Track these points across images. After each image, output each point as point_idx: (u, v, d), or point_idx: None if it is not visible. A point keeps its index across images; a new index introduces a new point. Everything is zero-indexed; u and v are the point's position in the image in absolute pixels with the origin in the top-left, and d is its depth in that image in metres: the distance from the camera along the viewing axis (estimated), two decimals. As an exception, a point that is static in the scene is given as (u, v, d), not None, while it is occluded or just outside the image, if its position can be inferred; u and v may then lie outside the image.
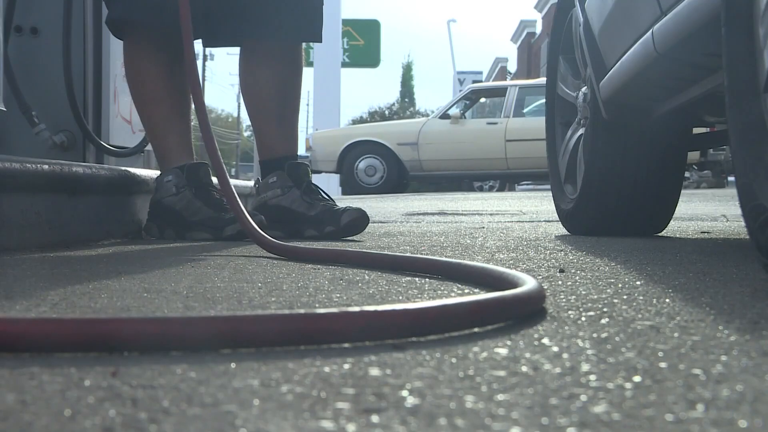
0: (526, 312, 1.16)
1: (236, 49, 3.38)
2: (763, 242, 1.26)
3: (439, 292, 1.47)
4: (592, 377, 0.81)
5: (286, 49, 3.29)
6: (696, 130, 3.32)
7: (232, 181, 4.45)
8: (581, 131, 3.31)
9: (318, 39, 3.35)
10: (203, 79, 52.79)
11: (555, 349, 0.95)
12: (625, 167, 3.07)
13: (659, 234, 3.32)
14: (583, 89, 3.28)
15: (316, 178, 20.56)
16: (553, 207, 3.66)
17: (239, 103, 66.72)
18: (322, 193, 3.26)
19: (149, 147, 4.17)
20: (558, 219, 3.56)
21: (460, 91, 18.41)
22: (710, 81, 2.24)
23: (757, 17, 1.40)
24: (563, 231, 3.42)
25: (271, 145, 3.32)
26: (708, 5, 1.79)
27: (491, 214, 5.32)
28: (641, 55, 2.36)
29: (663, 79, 2.47)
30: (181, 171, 3.15)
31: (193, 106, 3.11)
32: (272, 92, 3.28)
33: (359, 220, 3.08)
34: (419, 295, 1.43)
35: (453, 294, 1.44)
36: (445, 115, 14.24)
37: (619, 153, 3.06)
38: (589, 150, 3.15)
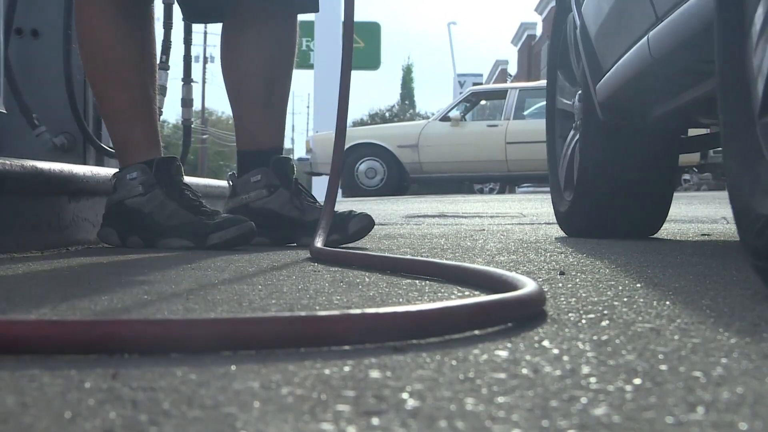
0: (527, 314, 1.16)
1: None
2: (757, 245, 1.30)
3: (440, 294, 1.47)
4: (593, 379, 0.81)
5: (280, 21, 2.88)
6: (694, 132, 3.34)
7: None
8: (578, 136, 3.35)
9: (315, 9, 2.94)
10: (203, 81, 52.76)
11: (555, 351, 0.95)
12: (617, 169, 3.09)
13: (659, 236, 3.33)
14: (578, 93, 3.30)
15: (316, 180, 20.38)
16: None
17: (240, 105, 66.52)
18: (308, 193, 2.91)
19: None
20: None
21: (461, 93, 18.42)
22: (705, 85, 2.27)
23: (750, 50, 1.41)
24: (563, 233, 3.42)
25: (254, 134, 2.88)
26: (702, 13, 1.80)
27: (491, 217, 5.32)
28: (637, 60, 2.39)
29: (658, 82, 2.50)
30: (149, 167, 2.70)
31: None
32: (261, 72, 2.85)
33: (367, 228, 2.74)
34: (419, 298, 1.43)
35: (453, 296, 1.44)
36: (445, 118, 14.24)
37: (611, 155, 3.09)
38: (581, 152, 3.18)
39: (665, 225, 4.10)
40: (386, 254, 2.21)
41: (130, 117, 2.73)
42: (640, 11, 2.29)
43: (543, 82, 13.63)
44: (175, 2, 2.88)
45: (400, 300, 1.40)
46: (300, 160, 14.83)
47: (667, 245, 2.82)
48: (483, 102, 16.08)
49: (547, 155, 3.72)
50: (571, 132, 3.44)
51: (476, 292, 1.47)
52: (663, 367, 0.86)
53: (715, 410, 0.70)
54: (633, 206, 3.17)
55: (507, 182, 15.98)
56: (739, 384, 0.78)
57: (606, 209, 3.16)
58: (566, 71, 3.53)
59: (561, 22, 3.56)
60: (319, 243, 2.30)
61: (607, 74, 2.77)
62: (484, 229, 3.78)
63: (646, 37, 2.27)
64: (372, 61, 31.39)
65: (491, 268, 1.54)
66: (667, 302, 1.33)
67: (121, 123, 2.74)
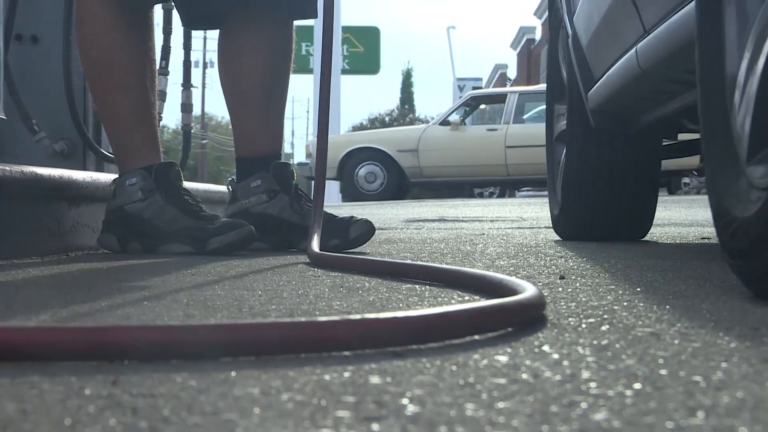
0: (527, 319, 1.16)
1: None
2: (729, 245, 1.44)
3: (440, 299, 1.47)
4: (593, 384, 0.81)
5: (277, 27, 2.90)
6: (683, 136, 3.43)
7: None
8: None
9: (314, 15, 2.94)
10: (203, 86, 52.80)
11: (555, 356, 0.95)
12: (600, 174, 3.21)
13: (659, 240, 3.33)
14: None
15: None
16: (553, 213, 3.74)
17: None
18: (307, 198, 2.92)
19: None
20: (557, 225, 3.61)
21: (460, 97, 18.43)
22: (691, 94, 2.35)
23: (734, 112, 1.48)
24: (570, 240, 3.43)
25: (253, 140, 2.89)
26: (688, 26, 1.85)
27: (491, 221, 5.32)
28: (626, 70, 2.46)
29: (647, 92, 2.58)
30: (148, 172, 2.70)
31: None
32: (258, 78, 2.87)
33: (368, 233, 2.76)
34: (419, 303, 1.43)
35: (453, 301, 1.44)
36: (445, 122, 14.25)
37: (595, 161, 3.21)
38: (567, 158, 3.32)
39: (665, 229, 4.11)
40: (386, 259, 2.21)
41: (130, 123, 2.73)
42: (629, 24, 2.38)
43: (542, 86, 13.63)
44: (157, 3, 2.88)
45: (400, 305, 1.40)
46: (299, 164, 14.84)
47: (667, 249, 2.82)
48: (482, 106, 16.10)
49: (546, 173, 3.86)
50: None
51: (476, 297, 1.47)
52: (663, 371, 0.86)
53: (715, 415, 0.70)
54: (617, 210, 3.26)
55: (507, 186, 15.99)
56: (739, 388, 0.78)
57: (591, 213, 3.26)
58: (563, 100, 3.68)
59: (555, 54, 3.70)
60: (314, 247, 2.29)
61: (598, 83, 2.85)
62: (483, 234, 3.78)
63: (634, 49, 2.34)
64: (371, 66, 31.40)
65: (491, 273, 1.54)
66: (667, 306, 1.33)
67: (122, 128, 2.74)
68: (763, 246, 1.30)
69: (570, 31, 3.22)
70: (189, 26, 3.18)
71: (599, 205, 3.24)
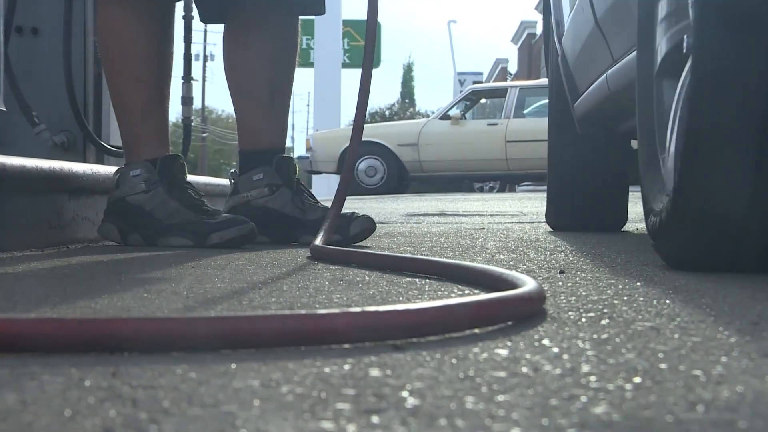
0: (527, 313, 1.16)
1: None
2: (650, 230, 1.93)
3: (440, 293, 1.47)
4: (593, 378, 0.81)
5: (283, 22, 2.90)
6: None
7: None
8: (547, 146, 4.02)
9: (320, 11, 2.97)
10: (203, 79, 52.78)
11: (555, 350, 0.95)
12: (576, 173, 3.65)
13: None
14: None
15: (316, 179, 20.24)
16: (553, 208, 3.92)
17: (240, 104, 66.40)
18: (309, 192, 2.93)
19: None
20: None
21: (461, 91, 18.42)
22: None
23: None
24: (564, 232, 3.43)
25: (256, 133, 2.89)
26: None
27: (491, 215, 5.32)
28: (599, 91, 2.93)
29: (617, 108, 3.00)
30: (153, 165, 2.70)
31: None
32: (264, 72, 2.88)
33: (368, 230, 2.74)
34: (419, 296, 1.43)
35: (453, 295, 1.44)
36: (445, 116, 14.23)
37: (571, 162, 3.68)
38: (549, 157, 3.83)
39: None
40: (386, 252, 2.21)
41: (143, 114, 2.73)
42: (601, 54, 2.87)
43: (543, 81, 13.62)
44: (177, 1, 2.87)
45: (400, 298, 1.40)
46: (300, 158, 14.84)
47: (667, 244, 2.82)
48: (483, 100, 16.08)
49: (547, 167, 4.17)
50: None
51: (476, 291, 1.47)
52: (663, 365, 0.86)
53: (715, 409, 0.70)
54: (593, 203, 3.65)
55: (507, 181, 15.98)
56: (739, 382, 0.79)
57: (570, 206, 3.67)
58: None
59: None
60: (320, 242, 2.30)
61: (581, 97, 3.33)
62: (484, 228, 3.78)
63: (605, 75, 2.79)
64: (372, 60, 31.37)
65: (491, 267, 1.54)
66: (667, 301, 1.33)
67: (134, 119, 2.74)
68: (669, 231, 1.78)
69: (559, 51, 3.69)
70: (206, 21, 3.15)
71: (576, 199, 3.64)
